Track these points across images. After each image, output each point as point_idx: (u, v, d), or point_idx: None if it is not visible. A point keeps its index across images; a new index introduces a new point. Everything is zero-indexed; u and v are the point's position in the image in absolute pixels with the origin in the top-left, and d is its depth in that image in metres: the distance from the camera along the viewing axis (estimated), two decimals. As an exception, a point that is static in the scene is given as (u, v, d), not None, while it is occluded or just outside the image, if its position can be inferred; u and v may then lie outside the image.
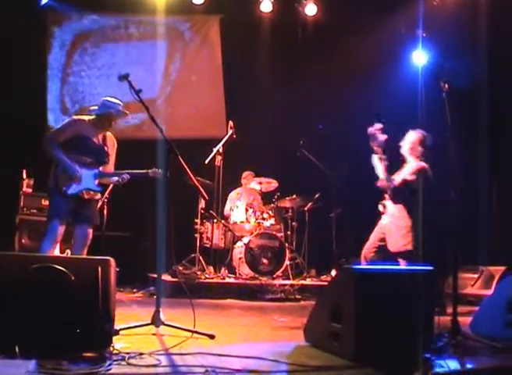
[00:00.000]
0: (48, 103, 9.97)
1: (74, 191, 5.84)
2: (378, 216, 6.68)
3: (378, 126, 6.29)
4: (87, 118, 6.08)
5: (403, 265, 6.20)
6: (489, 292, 6.91)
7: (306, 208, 9.53)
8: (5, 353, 3.26)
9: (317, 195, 9.43)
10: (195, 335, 4.52)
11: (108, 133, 6.24)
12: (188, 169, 4.91)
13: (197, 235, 8.91)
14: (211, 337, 4.52)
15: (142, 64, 10.37)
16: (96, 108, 6.14)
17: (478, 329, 4.90)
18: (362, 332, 3.73)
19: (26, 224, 7.97)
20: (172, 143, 4.95)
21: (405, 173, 6.36)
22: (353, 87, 9.73)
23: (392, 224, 6.44)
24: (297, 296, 7.94)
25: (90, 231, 6.06)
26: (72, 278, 3.70)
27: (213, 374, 3.26)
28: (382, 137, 6.29)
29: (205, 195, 5.21)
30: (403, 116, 7.30)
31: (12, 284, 3.61)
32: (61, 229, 5.78)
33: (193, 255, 8.79)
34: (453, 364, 3.71)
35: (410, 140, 6.50)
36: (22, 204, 8.02)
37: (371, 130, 6.30)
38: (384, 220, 6.56)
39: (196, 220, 9.00)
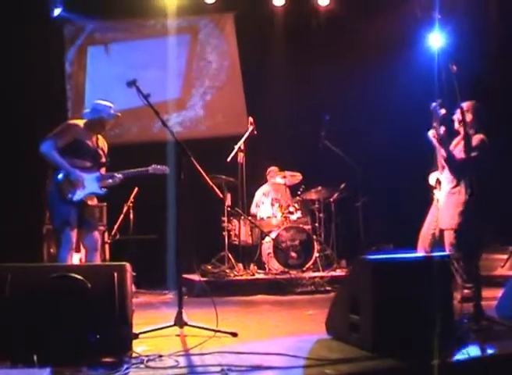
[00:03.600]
0: (69, 112, 10.05)
1: (79, 196, 5.81)
2: (424, 203, 6.55)
3: (438, 101, 6.17)
4: (81, 122, 6.05)
5: (450, 244, 6.07)
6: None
7: (332, 199, 9.47)
8: (24, 362, 3.30)
9: (342, 185, 9.37)
10: (218, 334, 4.53)
11: (99, 136, 6.20)
12: (201, 170, 4.91)
13: (225, 233, 8.94)
14: (234, 334, 4.53)
15: (162, 64, 10.38)
16: (88, 111, 6.14)
17: (503, 312, 4.82)
18: (380, 322, 3.71)
19: (52, 234, 8.04)
20: (184, 144, 4.95)
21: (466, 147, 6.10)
22: (370, 74, 9.64)
23: (450, 200, 6.26)
24: (327, 288, 7.88)
25: (98, 235, 6.11)
26: (89, 285, 3.74)
27: (229, 373, 3.26)
28: (442, 112, 6.20)
29: (220, 194, 5.20)
30: (421, 98, 7.18)
31: (31, 294, 3.67)
32: (73, 235, 5.75)
33: (222, 254, 8.83)
34: (473, 350, 3.66)
35: (466, 108, 6.36)
36: (48, 214, 8.09)
37: (433, 105, 6.18)
38: (438, 196, 6.41)
39: (223, 218, 9.03)
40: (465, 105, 6.16)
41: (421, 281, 3.79)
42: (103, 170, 6.18)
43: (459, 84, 5.17)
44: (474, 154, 5.95)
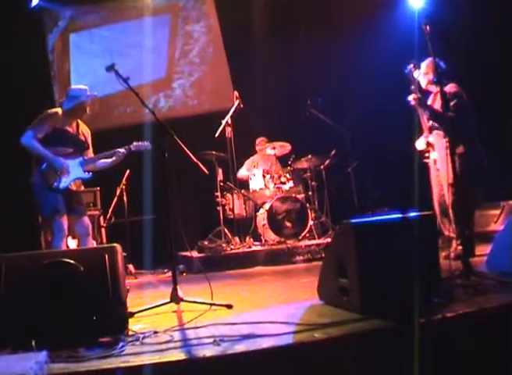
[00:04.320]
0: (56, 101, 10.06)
1: (65, 183, 5.89)
2: (413, 163, 6.63)
3: (411, 64, 6.22)
4: (59, 110, 6.08)
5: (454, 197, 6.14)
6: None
7: (323, 167, 9.54)
8: (23, 348, 3.38)
9: (332, 152, 9.43)
10: (214, 307, 4.62)
11: (79, 121, 6.24)
12: (185, 147, 4.96)
13: (219, 208, 9.02)
14: (229, 306, 4.62)
15: (144, 46, 10.38)
16: (65, 100, 6.15)
17: (492, 267, 4.88)
18: (367, 284, 3.78)
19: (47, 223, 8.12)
20: (166, 123, 5.00)
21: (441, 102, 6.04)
22: (352, 39, 9.63)
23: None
24: (323, 255, 7.98)
25: (87, 220, 6.16)
26: (81, 268, 3.82)
27: (221, 343, 3.34)
28: (416, 74, 6.25)
29: (205, 170, 5.24)
30: (402, 61, 7.22)
31: (25, 282, 3.74)
32: (64, 222, 5.82)
33: (218, 228, 8.92)
34: (461, 306, 3.74)
35: (425, 68, 6.43)
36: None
37: (407, 68, 6.23)
38: (435, 157, 6.48)
39: (216, 193, 9.11)
40: (423, 64, 6.27)
41: (404, 241, 3.85)
42: (88, 154, 6.24)
43: (432, 45, 5.19)
44: (452, 103, 6.03)
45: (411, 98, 6.29)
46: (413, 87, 6.25)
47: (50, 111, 6.11)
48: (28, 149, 5.83)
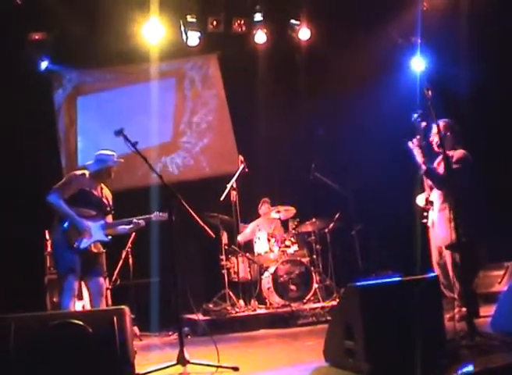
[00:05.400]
0: (63, 163, 10.22)
1: (86, 244, 5.98)
2: (418, 226, 6.72)
3: (418, 112, 6.29)
4: (86, 172, 6.24)
5: (451, 261, 6.20)
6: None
7: (327, 230, 9.58)
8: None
9: (336, 215, 9.50)
10: (220, 369, 4.62)
11: (103, 185, 6.41)
12: (191, 210, 5.05)
13: (224, 271, 9.05)
14: (235, 369, 4.62)
15: (150, 110, 10.53)
16: (91, 163, 6.31)
17: (497, 327, 4.90)
18: (373, 346, 3.81)
19: (54, 283, 8.13)
20: (173, 187, 5.11)
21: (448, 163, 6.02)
22: (355, 103, 9.80)
23: (442, 217, 6.38)
24: (328, 318, 7.91)
25: (103, 280, 6.28)
26: (90, 330, 3.86)
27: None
28: (422, 124, 6.33)
29: (211, 233, 5.33)
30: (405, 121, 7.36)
31: (34, 342, 3.78)
32: (76, 284, 5.88)
33: (222, 291, 8.93)
34: (466, 366, 3.75)
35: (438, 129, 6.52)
36: (48, 264, 8.20)
37: (414, 117, 6.30)
38: (433, 217, 6.55)
39: (221, 257, 9.15)
40: (441, 123, 6.35)
41: (408, 303, 3.90)
42: (109, 218, 6.36)
43: (435, 108, 5.33)
44: (456, 166, 6.12)
45: (414, 142, 6.32)
46: (418, 136, 6.28)
47: (77, 172, 6.28)
48: (53, 207, 5.93)
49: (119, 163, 6.34)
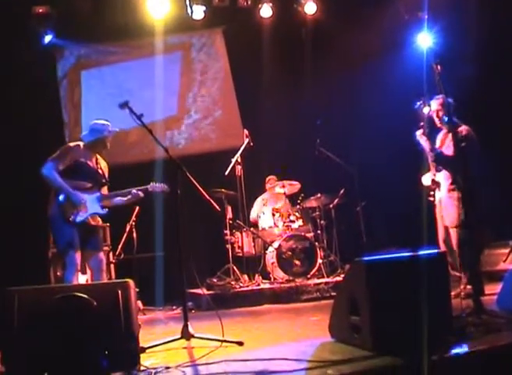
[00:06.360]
0: (66, 137, 10.18)
1: (82, 217, 5.90)
2: (421, 202, 6.69)
3: (421, 100, 6.28)
4: (81, 143, 6.15)
5: (457, 241, 6.19)
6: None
7: (332, 206, 9.56)
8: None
9: (341, 191, 9.46)
10: (224, 344, 4.60)
11: (98, 156, 6.32)
12: (197, 184, 5.01)
13: (228, 246, 9.03)
14: (240, 343, 4.60)
15: (156, 83, 10.46)
16: (86, 133, 6.24)
17: (502, 305, 4.87)
18: (378, 321, 3.79)
19: (58, 257, 8.12)
20: (179, 160, 5.06)
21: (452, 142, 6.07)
22: (361, 78, 9.77)
23: (450, 197, 6.40)
24: (332, 293, 7.91)
25: (102, 255, 6.19)
26: (94, 303, 3.84)
27: (234, 379, 3.35)
28: (426, 110, 6.31)
29: (217, 207, 5.28)
30: (411, 100, 7.32)
31: (38, 315, 3.76)
32: (78, 257, 5.81)
33: (226, 266, 8.94)
34: (472, 344, 3.73)
35: (436, 106, 6.50)
36: (52, 238, 8.19)
37: (417, 104, 6.29)
38: (440, 196, 6.53)
39: (225, 231, 9.13)
40: (434, 102, 6.33)
41: (414, 279, 3.86)
42: (104, 190, 6.28)
43: (443, 84, 5.27)
44: (463, 144, 6.07)
45: (419, 133, 6.36)
46: (422, 123, 6.30)
47: (71, 144, 6.19)
48: (47, 180, 5.84)
49: (114, 133, 6.27)
